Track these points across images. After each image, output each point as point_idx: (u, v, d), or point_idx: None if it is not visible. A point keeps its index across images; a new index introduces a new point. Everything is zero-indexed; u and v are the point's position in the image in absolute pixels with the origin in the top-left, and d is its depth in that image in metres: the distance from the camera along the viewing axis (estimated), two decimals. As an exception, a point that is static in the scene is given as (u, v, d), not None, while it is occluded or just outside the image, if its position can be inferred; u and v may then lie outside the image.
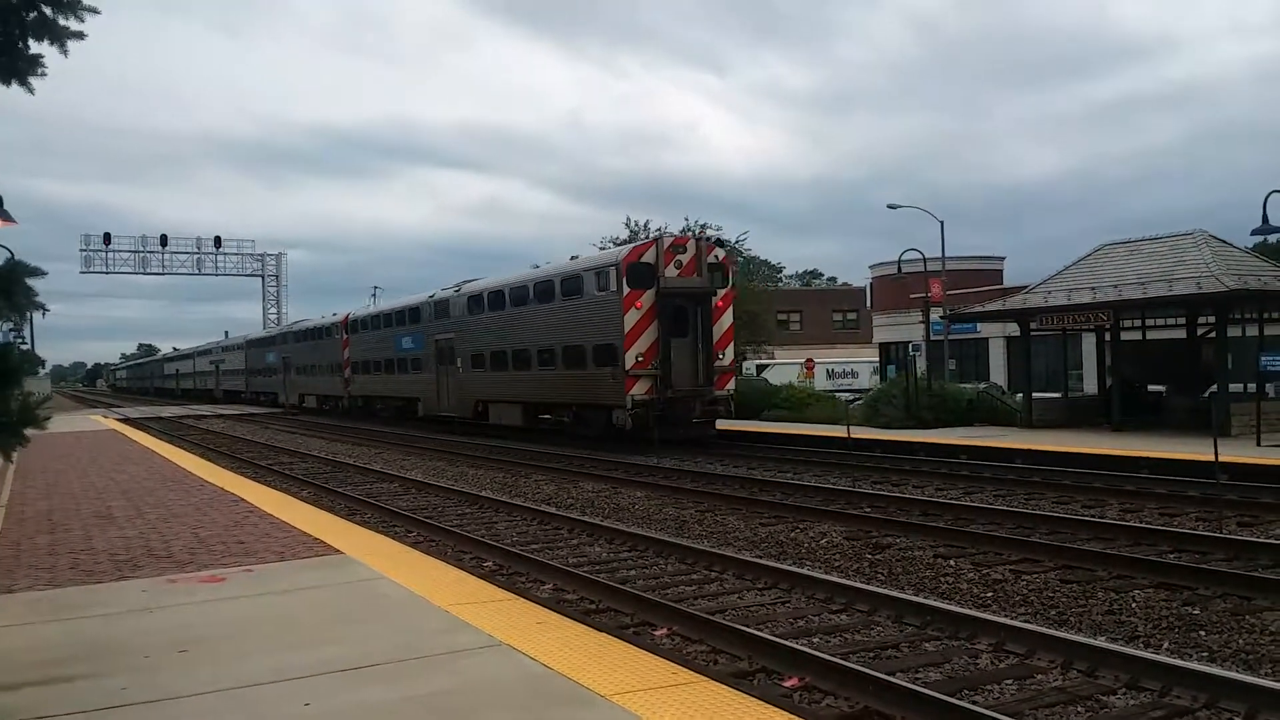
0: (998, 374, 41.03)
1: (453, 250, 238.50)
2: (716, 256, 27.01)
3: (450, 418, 34.81)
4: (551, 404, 29.61)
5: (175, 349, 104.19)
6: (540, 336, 29.12)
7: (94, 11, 5.24)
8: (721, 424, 26.67)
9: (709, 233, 41.99)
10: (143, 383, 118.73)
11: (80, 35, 5.26)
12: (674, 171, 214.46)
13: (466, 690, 5.26)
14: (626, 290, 25.03)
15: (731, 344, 27.31)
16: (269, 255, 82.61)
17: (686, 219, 46.98)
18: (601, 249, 42.27)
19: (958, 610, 8.52)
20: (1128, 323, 25.77)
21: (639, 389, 25.05)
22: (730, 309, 26.92)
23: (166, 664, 5.85)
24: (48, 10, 5.16)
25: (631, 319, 25.03)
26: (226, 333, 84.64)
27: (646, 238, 34.93)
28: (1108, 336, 26.16)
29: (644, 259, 25.53)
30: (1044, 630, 7.83)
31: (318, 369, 50.03)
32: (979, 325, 39.42)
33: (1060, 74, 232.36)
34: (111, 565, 9.01)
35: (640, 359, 25.05)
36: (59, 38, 5.20)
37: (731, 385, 26.94)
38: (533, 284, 30.18)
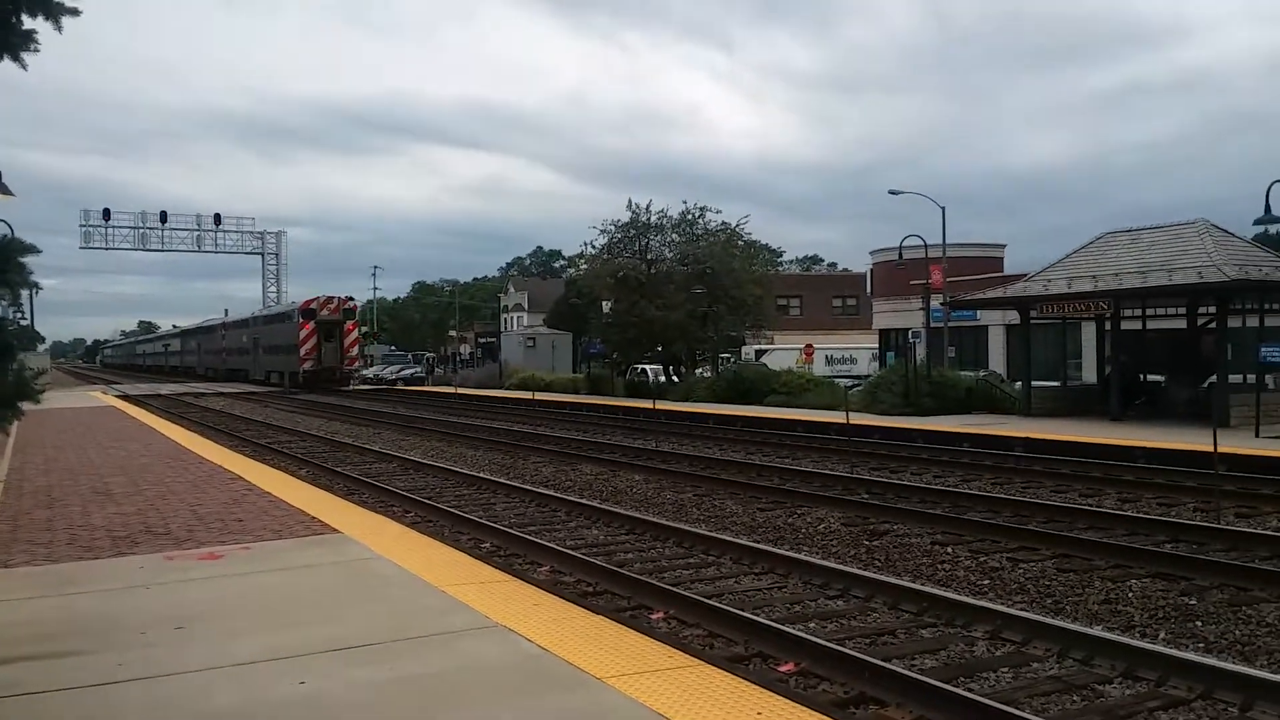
0: (997, 362, 40.95)
1: (454, 230, 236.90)
2: (349, 306, 60.66)
3: (259, 379, 65.15)
4: (286, 371, 60.07)
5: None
6: (278, 339, 61.91)
7: None
8: (716, 408, 31.94)
9: (707, 216, 43.06)
10: (123, 360, 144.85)
11: (75, 11, 5.17)
12: (678, 152, 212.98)
13: (462, 671, 5.26)
14: (301, 321, 57.75)
15: (357, 346, 61.23)
16: (269, 233, 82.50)
17: (685, 202, 47.15)
18: (602, 231, 43.67)
19: (954, 597, 8.52)
20: (1128, 312, 25.74)
21: (307, 365, 57.50)
22: (356, 330, 60.48)
23: (163, 641, 5.85)
24: None
25: (303, 334, 57.54)
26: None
27: (646, 217, 43.22)
28: (1108, 326, 26.13)
29: (311, 307, 58.36)
30: (1040, 619, 7.83)
31: (210, 352, 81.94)
32: (979, 313, 39.36)
33: (1069, 60, 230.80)
34: (109, 541, 9.00)
35: (306, 352, 57.56)
36: (53, 14, 5.12)
37: (356, 366, 62.26)
38: (276, 313, 65.43)
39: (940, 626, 7.93)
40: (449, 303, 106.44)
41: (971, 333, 43.01)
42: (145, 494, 12.07)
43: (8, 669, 5.36)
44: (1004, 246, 52.22)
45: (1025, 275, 29.47)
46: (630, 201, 43.34)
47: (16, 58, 5.19)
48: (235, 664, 5.37)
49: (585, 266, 48.50)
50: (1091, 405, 25.89)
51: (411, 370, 72.58)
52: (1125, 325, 25.76)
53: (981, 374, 32.12)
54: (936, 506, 13.53)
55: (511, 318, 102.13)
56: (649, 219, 42.73)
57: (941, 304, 34.21)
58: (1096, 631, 7.55)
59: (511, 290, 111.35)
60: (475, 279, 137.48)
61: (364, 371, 69.56)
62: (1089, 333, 32.09)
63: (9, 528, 9.78)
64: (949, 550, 10.86)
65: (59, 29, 5.15)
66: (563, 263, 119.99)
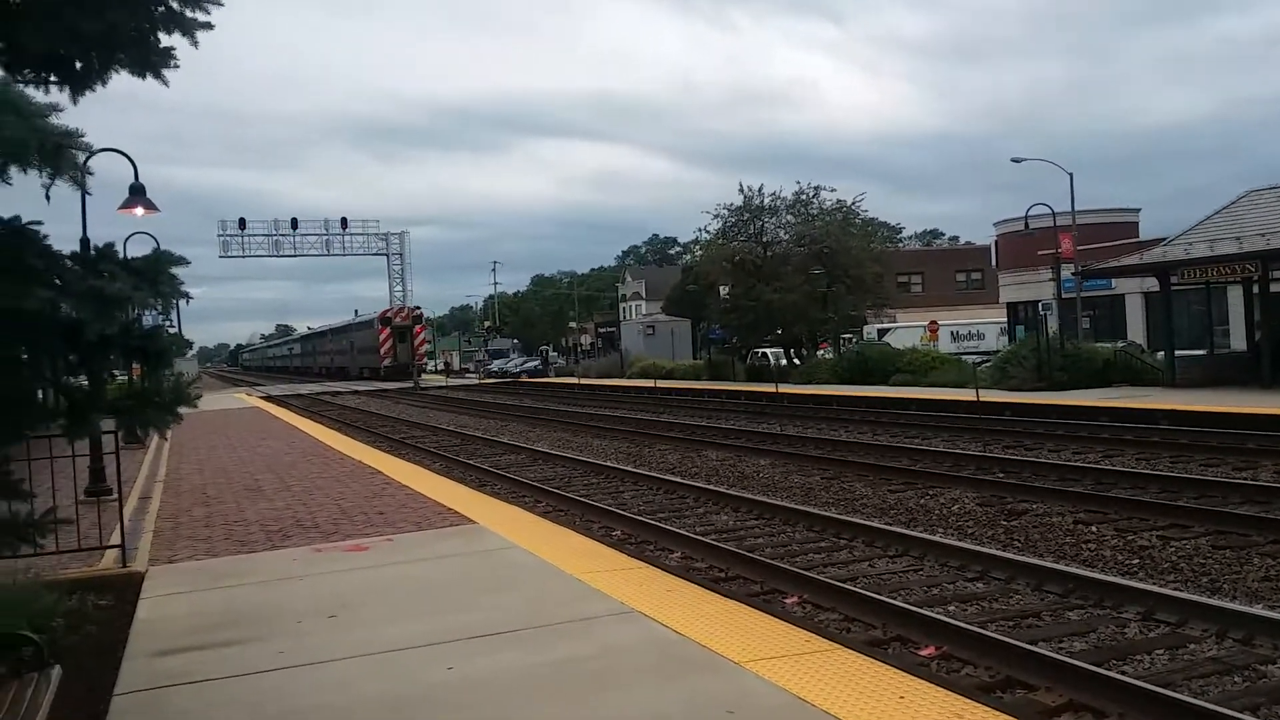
0: (1136, 332, 39.24)
1: (571, 221, 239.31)
2: (417, 313, 72.28)
3: (355, 375, 78.63)
4: (373, 367, 73.18)
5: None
6: (366, 342, 76.34)
7: (217, 3, 5.37)
8: (840, 389, 31.43)
9: (822, 195, 42.57)
10: (259, 363, 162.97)
11: (208, 26, 5.37)
12: (791, 130, 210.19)
13: (601, 656, 5.34)
14: (380, 327, 72.21)
15: (425, 345, 77.64)
16: (392, 234, 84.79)
17: (798, 182, 46.13)
18: (715, 216, 43.45)
19: (1102, 578, 8.23)
20: (1278, 273, 24.30)
21: (386, 361, 70.73)
22: (424, 333, 74.51)
23: (318, 629, 6.12)
24: (174, 3, 5.31)
25: (383, 337, 71.69)
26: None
27: (759, 200, 42.63)
28: (1256, 289, 24.73)
29: (387, 315, 71.80)
30: (1196, 598, 7.50)
31: (323, 353, 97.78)
32: (1114, 281, 37.77)
33: (1200, 9, 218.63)
34: (263, 535, 9.46)
35: (385, 352, 71.46)
36: (188, 30, 5.32)
37: (424, 363, 76.16)
38: (363, 321, 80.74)
39: (1088, 608, 7.66)
40: (567, 295, 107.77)
41: (1107, 302, 41.34)
42: (293, 490, 12.62)
43: (177, 658, 5.70)
44: (1138, 210, 49.97)
45: (1163, 240, 28.14)
46: (741, 185, 42.78)
47: (158, 74, 5.42)
48: (386, 651, 5.58)
49: (700, 252, 48.41)
50: (1241, 374, 24.51)
51: (534, 363, 74.41)
52: (1276, 288, 24.32)
53: (1120, 345, 30.83)
54: (1077, 484, 13.07)
55: (630, 306, 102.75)
56: (762, 201, 42.37)
57: (1073, 273, 32.93)
58: (1258, 610, 7.18)
59: (628, 279, 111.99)
60: (592, 270, 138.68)
61: (489, 366, 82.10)
62: (1236, 297, 30.42)
63: (171, 525, 10.36)
64: (1093, 529, 10.48)
65: (195, 44, 5.36)
66: (678, 249, 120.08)
